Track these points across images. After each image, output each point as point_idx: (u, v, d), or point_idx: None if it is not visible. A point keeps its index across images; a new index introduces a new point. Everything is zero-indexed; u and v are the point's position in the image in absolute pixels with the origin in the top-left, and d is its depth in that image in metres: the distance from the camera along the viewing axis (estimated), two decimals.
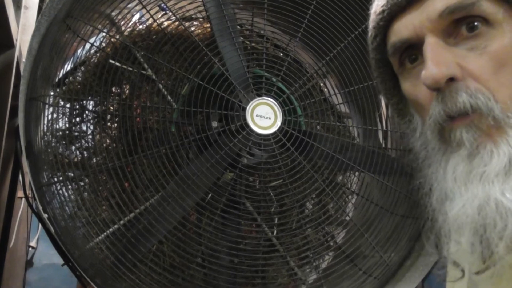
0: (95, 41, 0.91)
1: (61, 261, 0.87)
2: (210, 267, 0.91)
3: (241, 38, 1.02)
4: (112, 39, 0.92)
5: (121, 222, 0.87)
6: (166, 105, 0.94)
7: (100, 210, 0.88)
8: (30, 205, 1.03)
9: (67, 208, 0.87)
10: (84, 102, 0.92)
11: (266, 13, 1.01)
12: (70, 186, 0.88)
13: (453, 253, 0.48)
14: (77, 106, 0.91)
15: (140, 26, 0.97)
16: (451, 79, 0.45)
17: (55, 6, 0.86)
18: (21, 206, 1.42)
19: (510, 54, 0.44)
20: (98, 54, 0.93)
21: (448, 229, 0.47)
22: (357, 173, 1.07)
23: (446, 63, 0.45)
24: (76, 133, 0.92)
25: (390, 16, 0.51)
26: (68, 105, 0.90)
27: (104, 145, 0.93)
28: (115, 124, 0.93)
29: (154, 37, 0.96)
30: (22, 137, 0.82)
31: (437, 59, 0.45)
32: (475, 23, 0.45)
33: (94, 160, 0.91)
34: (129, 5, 0.94)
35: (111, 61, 0.90)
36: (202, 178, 0.90)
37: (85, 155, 0.92)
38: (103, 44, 0.92)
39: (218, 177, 0.93)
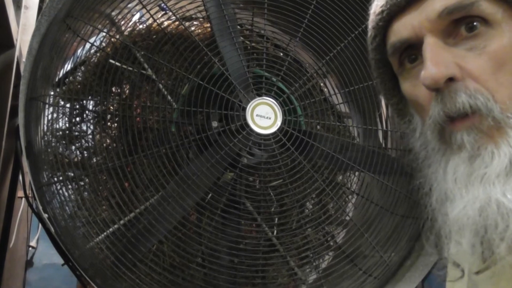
0: (95, 41, 0.91)
1: (61, 261, 0.87)
2: (210, 267, 0.91)
3: (241, 38, 1.02)
4: (112, 39, 0.92)
5: (121, 222, 0.87)
6: (166, 105, 0.94)
7: (100, 210, 0.88)
8: (30, 205, 1.03)
9: (67, 208, 0.87)
10: (84, 102, 0.92)
11: (266, 13, 1.01)
12: (70, 186, 0.88)
13: (453, 253, 0.48)
14: (77, 106, 0.91)
15: (140, 26, 0.97)
16: (451, 79, 0.45)
17: (55, 6, 0.86)
18: (21, 206, 1.42)
19: (509, 54, 0.44)
20: (98, 54, 0.93)
21: (449, 230, 0.47)
22: (357, 173, 1.07)
23: (445, 63, 0.45)
24: (76, 133, 0.92)
25: (389, 17, 0.51)
26: (68, 105, 0.90)
27: (104, 145, 0.93)
28: (115, 124, 0.93)
29: (154, 37, 0.96)
30: (22, 137, 0.82)
31: (436, 59, 0.45)
32: (474, 23, 0.45)
33: (94, 160, 0.91)
34: (129, 5, 0.94)
35: (111, 61, 0.90)
36: (202, 178, 0.90)
37: (85, 155, 0.92)
38: (103, 44, 0.92)
39: (218, 177, 0.93)
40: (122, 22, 0.96)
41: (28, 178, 0.88)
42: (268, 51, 1.04)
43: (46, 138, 0.88)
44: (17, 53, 1.09)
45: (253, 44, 1.04)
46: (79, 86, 0.91)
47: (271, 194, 0.98)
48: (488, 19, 0.45)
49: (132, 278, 0.85)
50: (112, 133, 0.93)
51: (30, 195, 1.01)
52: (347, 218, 1.03)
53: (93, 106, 0.92)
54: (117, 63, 0.90)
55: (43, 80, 0.89)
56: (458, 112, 0.45)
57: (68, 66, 0.94)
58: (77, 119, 0.92)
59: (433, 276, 1.11)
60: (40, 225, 1.37)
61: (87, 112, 0.92)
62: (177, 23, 0.96)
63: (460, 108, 0.45)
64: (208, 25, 0.99)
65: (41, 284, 1.73)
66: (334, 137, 1.01)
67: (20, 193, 1.32)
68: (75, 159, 0.91)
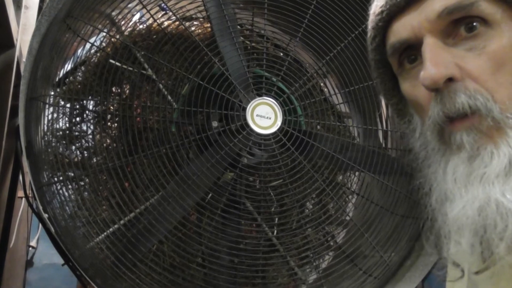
0: (95, 41, 0.91)
1: (61, 261, 0.87)
2: (210, 267, 0.91)
3: (241, 38, 1.02)
4: (113, 39, 0.92)
5: (121, 222, 0.87)
6: (166, 105, 0.94)
7: (100, 210, 0.88)
8: (30, 205, 1.03)
9: (67, 208, 0.88)
10: (84, 102, 0.92)
11: (266, 13, 1.01)
12: (70, 186, 0.88)
13: (453, 253, 0.48)
14: (77, 106, 0.91)
15: (141, 26, 0.97)
16: (450, 80, 0.45)
17: (55, 6, 0.86)
18: (21, 206, 1.42)
19: (509, 54, 0.44)
20: (98, 54, 0.93)
21: (448, 230, 0.47)
22: (357, 173, 1.07)
23: (445, 64, 0.45)
24: (76, 133, 0.92)
25: (389, 17, 0.51)
26: (68, 105, 0.90)
27: (104, 145, 0.93)
28: (115, 124, 0.93)
29: (155, 37, 0.96)
30: (22, 137, 0.82)
31: (436, 60, 0.45)
32: (474, 24, 0.45)
33: (94, 160, 0.91)
34: (129, 5, 0.94)
35: (111, 61, 0.90)
36: (202, 178, 0.90)
37: (85, 155, 0.92)
38: (103, 44, 0.92)
39: (218, 177, 0.93)
40: (122, 22, 0.96)
41: (28, 178, 0.88)
42: (268, 51, 1.04)
43: (46, 138, 0.88)
44: (17, 53, 1.09)
45: (253, 44, 1.04)
46: (79, 86, 0.91)
47: (271, 194, 0.99)
48: (487, 19, 0.45)
49: (132, 278, 0.85)
50: (112, 133, 0.93)
51: (30, 195, 1.01)
52: (347, 218, 1.03)
53: (93, 106, 0.93)
54: (117, 63, 0.90)
55: (43, 80, 0.89)
56: (457, 112, 0.45)
57: (68, 66, 0.94)
58: (77, 119, 0.92)
59: (433, 276, 1.11)
60: (40, 225, 1.38)
61: (87, 112, 0.92)
62: (177, 23, 0.97)
63: (460, 109, 0.45)
64: (208, 25, 0.99)
65: (41, 284, 1.73)
66: (334, 137, 1.01)
67: (20, 193, 1.32)
68: (75, 159, 0.91)
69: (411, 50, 0.50)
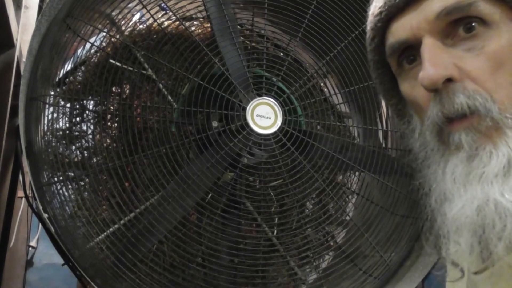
0: (95, 40, 0.91)
1: (61, 261, 0.87)
2: (210, 267, 0.91)
3: (242, 38, 1.02)
4: (113, 39, 0.92)
5: (121, 222, 0.87)
6: (167, 105, 0.94)
7: (100, 210, 0.88)
8: (30, 205, 1.03)
9: (67, 208, 0.88)
10: (84, 102, 0.93)
11: (267, 13, 1.01)
12: (70, 186, 0.88)
13: (452, 253, 0.48)
14: (77, 106, 0.91)
15: (141, 26, 0.97)
16: (449, 80, 0.45)
17: (55, 6, 0.86)
18: (21, 206, 1.42)
19: (508, 54, 0.44)
20: (98, 54, 0.93)
21: (447, 230, 0.47)
22: (357, 173, 1.07)
23: (444, 64, 0.45)
24: (76, 133, 0.92)
25: (387, 18, 0.51)
26: (68, 105, 0.90)
27: (104, 144, 0.93)
28: (115, 124, 0.93)
29: (155, 37, 0.96)
30: (22, 137, 0.82)
31: (435, 60, 0.45)
32: (473, 24, 0.45)
33: (94, 160, 0.91)
34: (129, 5, 0.94)
35: (111, 61, 0.90)
36: (202, 178, 0.90)
37: (85, 154, 0.92)
38: (104, 44, 0.92)
39: (218, 177, 0.93)
40: (122, 22, 0.96)
41: (28, 178, 0.88)
42: (268, 51, 1.04)
43: (46, 138, 0.88)
44: (17, 53, 1.09)
45: (253, 44, 1.04)
46: (79, 86, 0.91)
47: (271, 194, 0.98)
48: (486, 19, 0.45)
49: (133, 278, 0.85)
50: (112, 133, 0.93)
51: (30, 195, 1.01)
52: (347, 218, 1.03)
53: (93, 106, 0.93)
54: (117, 63, 0.90)
55: (43, 80, 0.89)
56: (456, 112, 0.45)
57: (68, 66, 0.94)
58: (77, 119, 0.92)
59: (433, 276, 1.11)
60: (40, 225, 1.37)
61: (87, 112, 0.92)
62: (177, 23, 0.97)
63: (459, 109, 0.45)
64: (208, 25, 0.99)
65: (41, 284, 1.73)
66: (334, 137, 1.01)
67: (20, 193, 1.32)
68: (75, 159, 0.91)
69: (410, 51, 0.50)
